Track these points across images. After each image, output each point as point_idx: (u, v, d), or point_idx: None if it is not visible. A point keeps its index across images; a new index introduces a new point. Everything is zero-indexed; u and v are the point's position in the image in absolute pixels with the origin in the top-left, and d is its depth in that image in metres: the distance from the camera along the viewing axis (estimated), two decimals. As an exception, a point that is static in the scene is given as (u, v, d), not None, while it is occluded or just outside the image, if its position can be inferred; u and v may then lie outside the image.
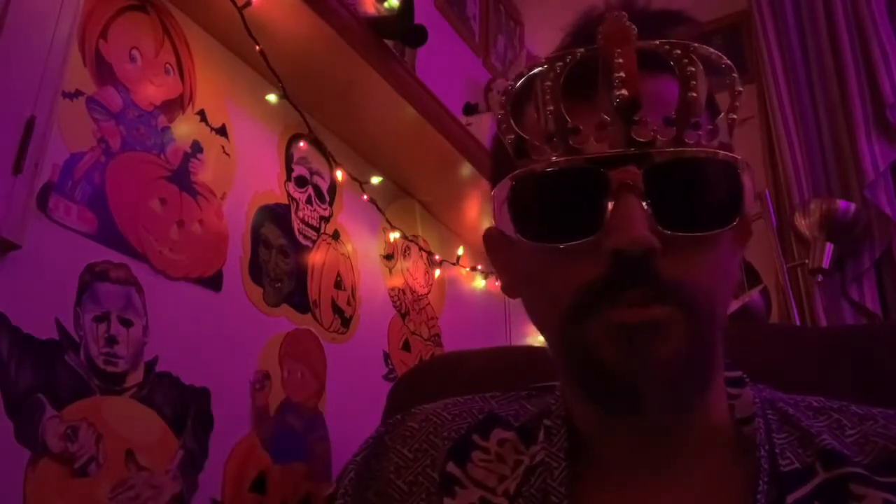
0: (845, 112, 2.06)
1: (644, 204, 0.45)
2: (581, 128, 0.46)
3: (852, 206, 1.91)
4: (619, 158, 0.45)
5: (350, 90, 1.46)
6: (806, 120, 2.13)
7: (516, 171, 0.49)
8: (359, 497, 0.60)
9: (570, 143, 0.46)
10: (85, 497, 0.94)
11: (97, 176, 1.05)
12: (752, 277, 1.98)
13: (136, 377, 1.04)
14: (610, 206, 0.45)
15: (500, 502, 0.53)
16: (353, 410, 1.45)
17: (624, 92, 0.45)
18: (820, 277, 1.93)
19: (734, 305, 1.80)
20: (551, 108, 0.47)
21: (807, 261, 1.96)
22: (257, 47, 1.26)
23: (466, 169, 1.72)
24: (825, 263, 1.89)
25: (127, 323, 1.05)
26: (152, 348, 1.08)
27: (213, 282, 1.22)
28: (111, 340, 1.02)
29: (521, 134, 0.49)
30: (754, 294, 1.84)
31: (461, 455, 0.57)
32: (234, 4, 1.21)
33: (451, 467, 0.56)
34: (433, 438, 0.60)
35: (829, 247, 1.90)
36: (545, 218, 0.49)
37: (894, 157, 1.99)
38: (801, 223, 1.96)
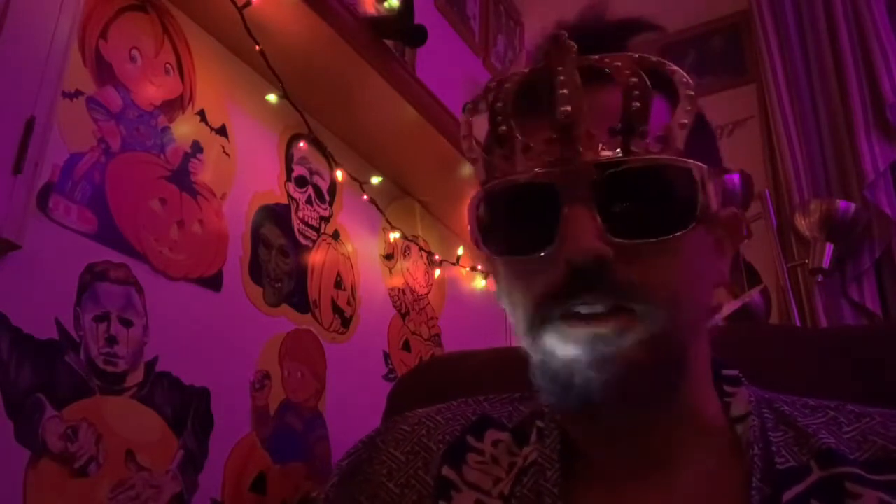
0: (845, 112, 2.05)
1: (594, 214, 0.46)
2: (531, 144, 0.49)
3: (852, 206, 1.91)
4: (568, 171, 0.47)
5: (350, 90, 1.46)
6: (806, 120, 2.13)
7: (477, 190, 0.52)
8: (348, 500, 0.60)
9: (523, 159, 0.49)
10: (85, 497, 0.94)
11: (97, 176, 1.05)
12: (752, 277, 1.98)
13: (136, 377, 1.05)
14: (562, 218, 0.47)
15: None
16: (353, 410, 1.45)
17: (567, 108, 0.47)
18: (820, 277, 1.93)
19: (734, 305, 1.80)
20: (503, 127, 0.50)
21: (807, 261, 1.96)
22: (257, 47, 1.26)
23: (466, 169, 1.72)
24: (825, 263, 1.89)
25: (127, 323, 1.05)
26: (152, 348, 1.08)
27: (213, 282, 1.22)
28: (111, 340, 1.02)
29: (482, 153, 0.53)
30: (754, 294, 1.84)
31: (456, 458, 0.58)
32: (234, 4, 1.21)
33: (447, 471, 0.57)
34: (426, 441, 0.60)
35: (829, 247, 1.90)
36: (504, 233, 0.52)
37: (894, 157, 1.99)
38: (801, 223, 1.95)
